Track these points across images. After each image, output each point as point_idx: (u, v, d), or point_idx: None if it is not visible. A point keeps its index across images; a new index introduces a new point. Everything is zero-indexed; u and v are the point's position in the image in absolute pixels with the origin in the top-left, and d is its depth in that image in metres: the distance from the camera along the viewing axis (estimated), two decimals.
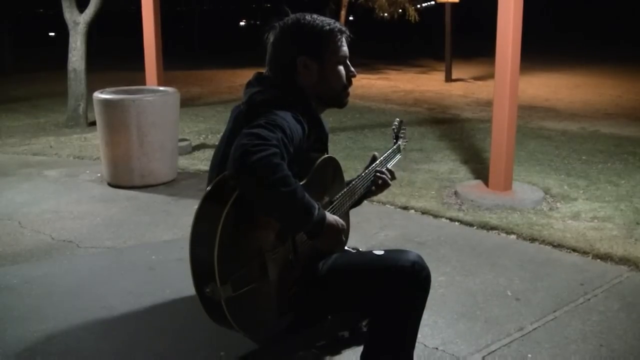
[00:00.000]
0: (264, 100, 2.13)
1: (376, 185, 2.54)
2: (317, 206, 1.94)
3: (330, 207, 2.25)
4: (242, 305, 1.93)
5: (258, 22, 40.07)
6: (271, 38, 2.27)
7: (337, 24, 2.29)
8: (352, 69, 2.34)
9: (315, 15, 2.29)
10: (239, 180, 1.84)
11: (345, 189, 2.37)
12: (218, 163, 2.20)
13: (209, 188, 2.01)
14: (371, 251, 2.34)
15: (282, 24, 2.26)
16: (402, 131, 2.89)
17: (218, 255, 1.85)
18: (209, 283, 1.87)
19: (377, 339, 2.25)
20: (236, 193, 1.89)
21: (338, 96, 2.32)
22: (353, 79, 2.36)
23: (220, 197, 1.92)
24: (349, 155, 6.78)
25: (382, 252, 2.27)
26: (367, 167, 2.57)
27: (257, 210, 1.93)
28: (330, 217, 2.02)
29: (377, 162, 2.60)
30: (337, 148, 7.07)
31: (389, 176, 2.57)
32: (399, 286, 2.18)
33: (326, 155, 2.31)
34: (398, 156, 2.79)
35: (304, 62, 2.23)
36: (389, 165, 2.66)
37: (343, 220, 2.12)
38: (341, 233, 2.06)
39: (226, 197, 1.89)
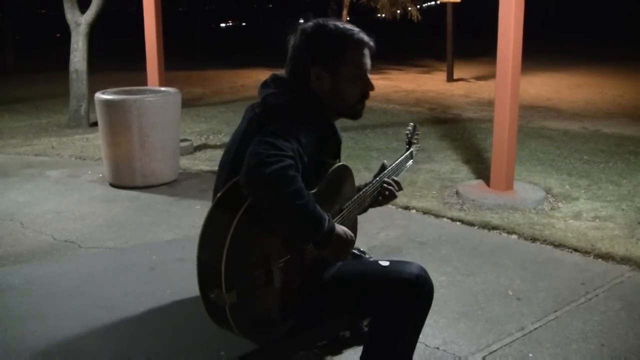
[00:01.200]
0: (279, 105, 2.12)
1: (383, 195, 2.51)
2: (327, 218, 1.94)
3: (340, 215, 2.25)
4: (245, 311, 1.94)
5: (244, 24, 39.79)
6: (291, 41, 2.23)
7: (361, 34, 2.21)
8: (371, 82, 2.26)
9: (338, 23, 2.21)
10: (252, 189, 1.84)
11: (354, 197, 2.37)
12: (229, 162, 2.20)
13: (221, 193, 2.01)
14: (377, 261, 2.33)
15: (302, 29, 2.21)
16: (415, 136, 2.87)
17: (226, 262, 1.85)
18: (214, 289, 1.87)
19: (375, 348, 2.25)
20: (249, 201, 1.89)
21: (352, 108, 2.27)
22: (370, 91, 2.28)
23: (233, 203, 1.91)
24: (351, 155, 6.77)
25: (387, 263, 2.27)
26: (376, 175, 2.54)
27: (267, 219, 1.92)
28: (340, 228, 2.03)
29: (387, 170, 2.58)
30: None
31: (396, 188, 2.54)
32: (401, 299, 2.18)
33: (339, 164, 2.31)
34: (410, 162, 2.78)
35: (317, 73, 2.19)
36: (401, 172, 2.66)
37: (351, 226, 2.12)
38: (349, 244, 2.06)
39: (238, 204, 1.89)
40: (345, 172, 2.37)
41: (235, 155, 2.14)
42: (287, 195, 1.82)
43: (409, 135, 2.86)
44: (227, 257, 1.85)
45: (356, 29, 2.21)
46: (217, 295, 1.86)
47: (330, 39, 2.18)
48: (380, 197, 2.52)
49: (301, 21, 2.25)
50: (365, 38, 2.22)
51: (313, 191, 2.04)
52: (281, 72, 2.30)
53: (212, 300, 1.89)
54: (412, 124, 2.90)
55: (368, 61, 2.24)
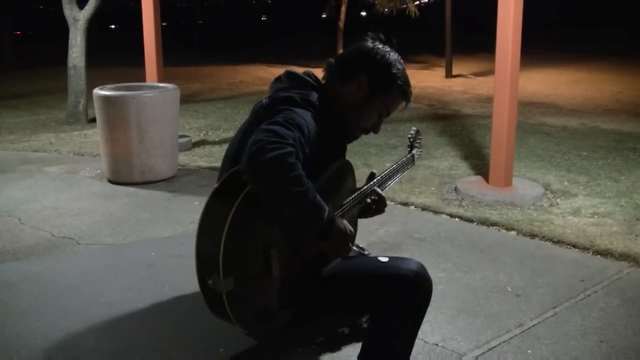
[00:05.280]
0: (287, 98, 2.13)
1: (369, 207, 2.48)
2: (327, 208, 1.93)
3: (340, 210, 2.25)
4: (242, 299, 1.94)
5: (164, 23, 39.84)
6: (361, 43, 2.31)
7: (410, 94, 2.34)
8: (379, 127, 2.38)
9: (400, 65, 2.30)
10: (252, 175, 1.84)
11: (355, 194, 2.36)
12: (233, 154, 2.20)
13: (221, 180, 2.02)
14: (376, 257, 2.33)
15: (379, 46, 2.29)
16: (417, 140, 2.87)
17: (224, 247, 1.86)
18: (212, 274, 1.88)
19: (374, 344, 2.25)
20: (248, 187, 1.90)
21: (354, 129, 2.34)
22: (372, 132, 2.39)
23: (232, 190, 1.93)
24: (349, 152, 6.70)
25: (386, 259, 2.27)
26: (366, 184, 2.52)
27: (267, 207, 1.92)
28: (340, 221, 2.02)
29: (385, 173, 2.56)
30: None
31: (384, 203, 2.51)
32: (400, 296, 2.18)
33: (342, 159, 2.33)
34: (410, 166, 2.78)
35: (362, 81, 2.25)
36: (401, 175, 2.67)
37: (351, 223, 2.11)
38: (348, 238, 2.05)
39: (238, 191, 1.90)
40: (347, 168, 2.37)
41: (238, 147, 2.15)
42: (286, 182, 1.82)
43: (411, 140, 2.85)
44: (225, 243, 1.85)
45: (409, 81, 2.34)
46: (215, 282, 1.87)
47: (392, 70, 2.28)
48: (366, 208, 2.48)
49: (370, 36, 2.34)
50: (410, 98, 2.36)
51: (314, 184, 2.04)
52: (295, 68, 2.34)
53: (209, 287, 1.89)
54: (414, 128, 2.90)
55: (394, 111, 2.37)
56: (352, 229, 2.07)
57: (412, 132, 2.88)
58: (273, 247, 1.99)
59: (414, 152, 2.82)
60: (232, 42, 26.14)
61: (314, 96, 2.18)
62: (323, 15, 16.17)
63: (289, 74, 2.28)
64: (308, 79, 2.26)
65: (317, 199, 1.89)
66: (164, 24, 7.54)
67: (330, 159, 2.27)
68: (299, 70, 2.32)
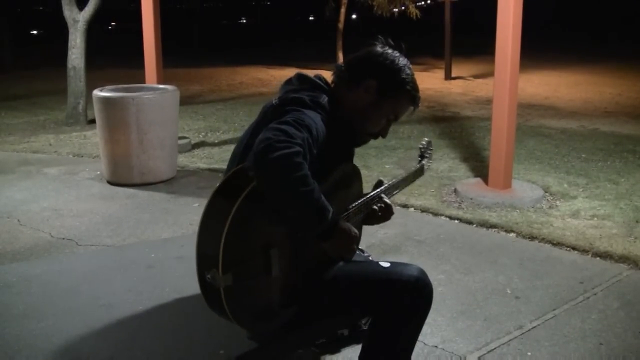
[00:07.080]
0: (297, 99, 2.14)
1: (374, 214, 2.46)
2: (331, 209, 1.93)
3: (345, 213, 2.25)
4: (240, 296, 1.94)
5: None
6: (371, 47, 2.31)
7: (418, 99, 2.34)
8: (387, 132, 2.37)
9: (409, 70, 2.29)
10: (258, 172, 1.85)
11: (361, 200, 2.36)
12: (240, 153, 2.21)
13: (224, 179, 2.04)
14: (377, 262, 2.34)
15: (388, 50, 2.29)
16: (429, 151, 2.87)
17: (225, 243, 1.86)
18: (210, 269, 1.88)
19: (374, 347, 2.26)
20: (252, 184, 1.90)
21: (362, 133, 2.33)
22: (380, 137, 2.38)
23: (237, 186, 1.94)
24: None
25: (387, 264, 2.27)
26: (377, 190, 2.50)
27: (270, 205, 1.92)
28: (344, 223, 2.02)
29: (393, 182, 2.56)
30: None
31: (391, 211, 2.49)
32: (401, 301, 2.19)
33: (349, 164, 2.33)
34: (420, 176, 2.78)
35: (370, 85, 2.25)
36: (408, 185, 2.67)
37: (356, 227, 2.11)
38: (352, 241, 2.05)
39: (242, 188, 1.91)
40: (354, 172, 2.37)
41: (246, 146, 2.16)
42: (292, 181, 1.83)
43: (422, 150, 2.85)
44: (226, 239, 1.86)
45: (417, 86, 2.32)
46: (213, 276, 1.88)
47: (401, 75, 2.27)
48: (371, 214, 2.46)
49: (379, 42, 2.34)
50: (418, 104, 2.35)
51: (320, 185, 2.04)
52: (305, 71, 2.34)
53: (208, 282, 1.90)
54: (426, 139, 2.90)
55: (402, 116, 2.36)
56: (356, 232, 2.07)
57: (424, 142, 2.88)
58: (274, 246, 2.00)
59: (423, 162, 2.82)
60: (211, 44, 25.91)
61: (324, 99, 2.18)
62: (310, 18, 16.20)
63: (299, 77, 2.29)
64: (318, 81, 2.26)
65: (321, 199, 1.90)
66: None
67: (338, 163, 2.27)
68: (310, 73, 2.33)
